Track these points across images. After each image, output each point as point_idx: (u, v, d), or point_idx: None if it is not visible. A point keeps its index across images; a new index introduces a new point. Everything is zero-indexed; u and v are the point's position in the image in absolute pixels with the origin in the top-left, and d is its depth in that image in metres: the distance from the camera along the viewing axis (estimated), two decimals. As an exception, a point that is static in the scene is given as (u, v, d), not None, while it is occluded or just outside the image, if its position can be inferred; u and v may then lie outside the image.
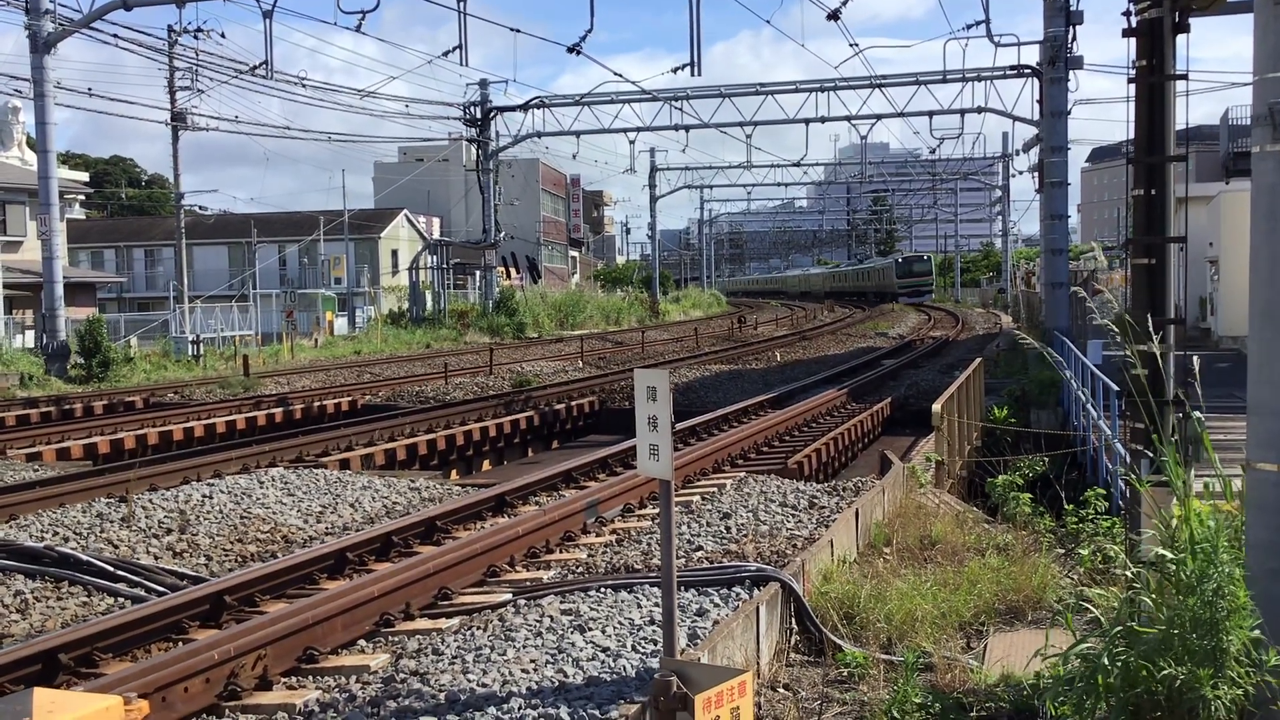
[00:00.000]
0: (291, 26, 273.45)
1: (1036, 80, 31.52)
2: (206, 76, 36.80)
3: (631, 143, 48.22)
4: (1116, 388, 11.94)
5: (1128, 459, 8.41)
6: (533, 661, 5.87)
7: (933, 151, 52.09)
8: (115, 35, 28.78)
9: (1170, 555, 4.48)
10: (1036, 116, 32.33)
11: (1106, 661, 4.42)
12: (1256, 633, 4.40)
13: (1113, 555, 6.90)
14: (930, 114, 41.34)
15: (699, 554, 8.33)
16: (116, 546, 9.32)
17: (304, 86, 33.03)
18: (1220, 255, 26.81)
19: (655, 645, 6.00)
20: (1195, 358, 5.16)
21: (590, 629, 6.37)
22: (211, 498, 11.00)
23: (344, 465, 13.95)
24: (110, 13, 27.76)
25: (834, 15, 24.29)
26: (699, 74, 26.89)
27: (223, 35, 52.59)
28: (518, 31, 32.97)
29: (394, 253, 69.50)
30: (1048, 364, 20.60)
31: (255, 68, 30.46)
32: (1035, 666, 5.31)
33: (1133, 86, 7.56)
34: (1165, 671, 4.31)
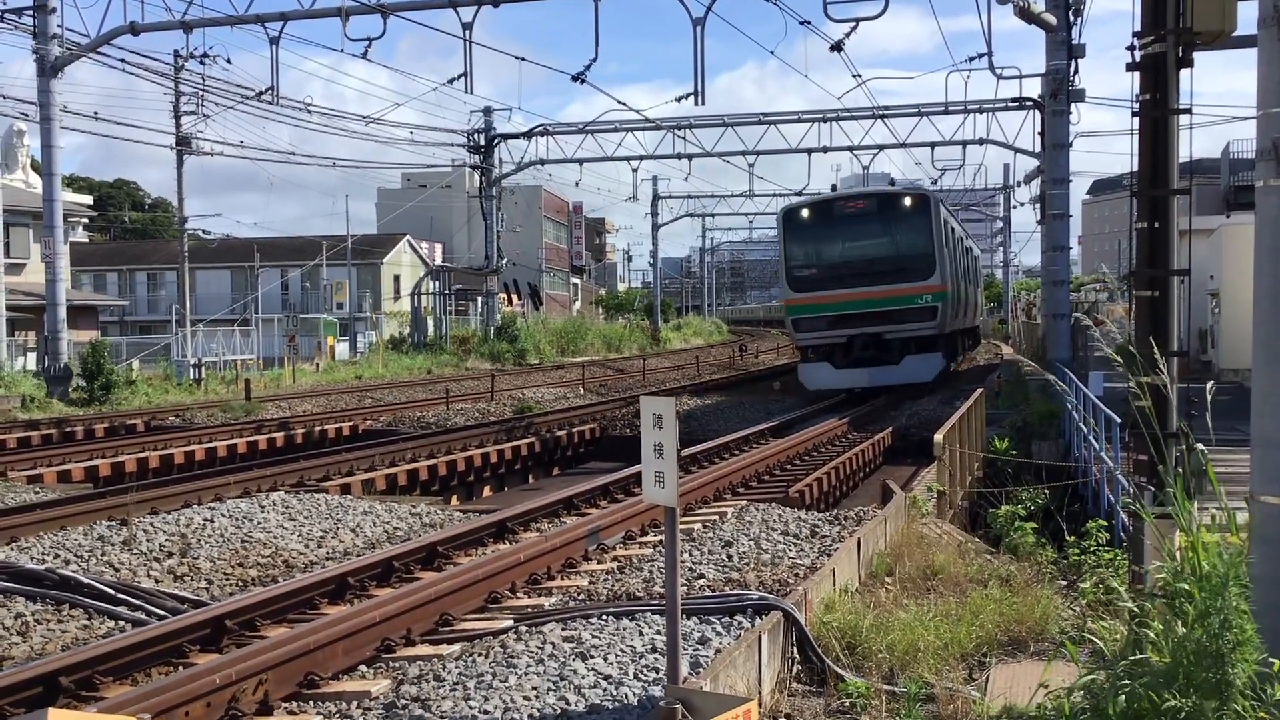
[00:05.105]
0: (303, 55, 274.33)
1: (1038, 113, 31.67)
2: (212, 102, 36.95)
3: (634, 171, 48.36)
4: (1119, 419, 11.94)
5: (1131, 490, 8.41)
6: (534, 689, 5.86)
7: (934, 182, 52.18)
8: (123, 60, 28.89)
9: (1186, 584, 4.46)
10: (1038, 149, 32.48)
11: (1112, 693, 4.41)
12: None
13: (1115, 587, 6.89)
14: (932, 145, 41.59)
15: (701, 582, 8.32)
16: (117, 569, 9.31)
17: (310, 113, 33.27)
18: (1221, 288, 26.86)
19: (657, 673, 5.98)
20: (1211, 384, 5.16)
21: (592, 656, 6.36)
22: (212, 521, 10.98)
23: (345, 490, 13.94)
24: (118, 37, 27.89)
25: (837, 47, 24.42)
26: (703, 103, 26.99)
27: (229, 61, 52.90)
28: (523, 60, 33.33)
29: (396, 278, 69.65)
30: (1049, 395, 20.61)
31: (261, 93, 30.60)
32: (1038, 698, 5.29)
33: (1136, 120, 7.61)
34: (1170, 703, 4.30)
